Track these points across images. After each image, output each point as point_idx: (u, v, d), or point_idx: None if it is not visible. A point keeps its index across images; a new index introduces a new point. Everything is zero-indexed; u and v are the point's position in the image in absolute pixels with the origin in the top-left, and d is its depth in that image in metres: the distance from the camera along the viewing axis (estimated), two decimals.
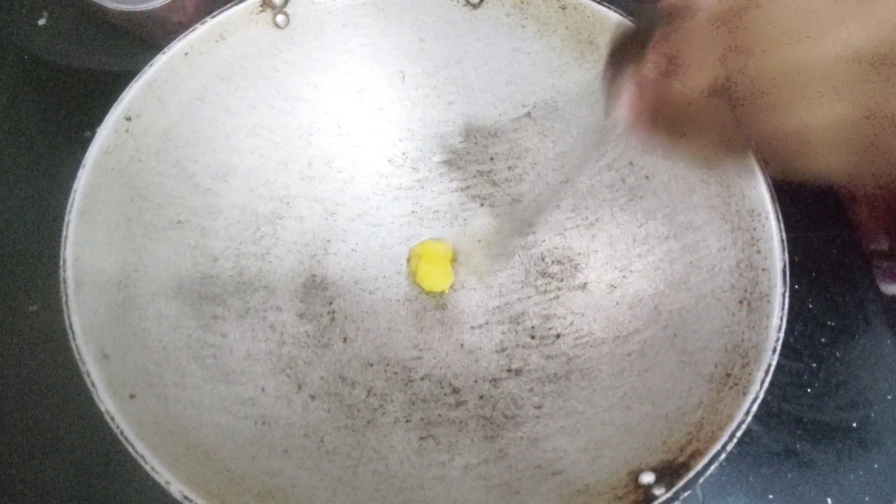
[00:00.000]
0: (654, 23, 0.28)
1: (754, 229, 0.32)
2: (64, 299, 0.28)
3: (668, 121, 0.29)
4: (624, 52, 0.30)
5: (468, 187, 0.40)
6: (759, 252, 0.31)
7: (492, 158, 0.40)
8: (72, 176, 0.30)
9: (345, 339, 0.36)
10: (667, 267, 0.35)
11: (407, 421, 0.33)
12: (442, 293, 0.38)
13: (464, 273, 0.38)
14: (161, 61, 0.33)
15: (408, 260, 0.38)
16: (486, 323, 0.37)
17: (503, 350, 0.36)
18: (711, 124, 0.28)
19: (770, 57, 0.24)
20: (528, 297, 0.37)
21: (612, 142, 0.30)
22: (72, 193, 0.30)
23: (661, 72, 0.28)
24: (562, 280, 0.38)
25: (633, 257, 0.37)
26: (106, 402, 0.27)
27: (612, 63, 0.30)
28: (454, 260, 0.38)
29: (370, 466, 0.31)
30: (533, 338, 0.36)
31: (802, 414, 0.37)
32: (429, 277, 0.37)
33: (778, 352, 0.29)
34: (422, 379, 0.35)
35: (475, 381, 0.35)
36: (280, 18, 0.36)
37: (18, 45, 0.44)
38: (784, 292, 0.30)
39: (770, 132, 0.25)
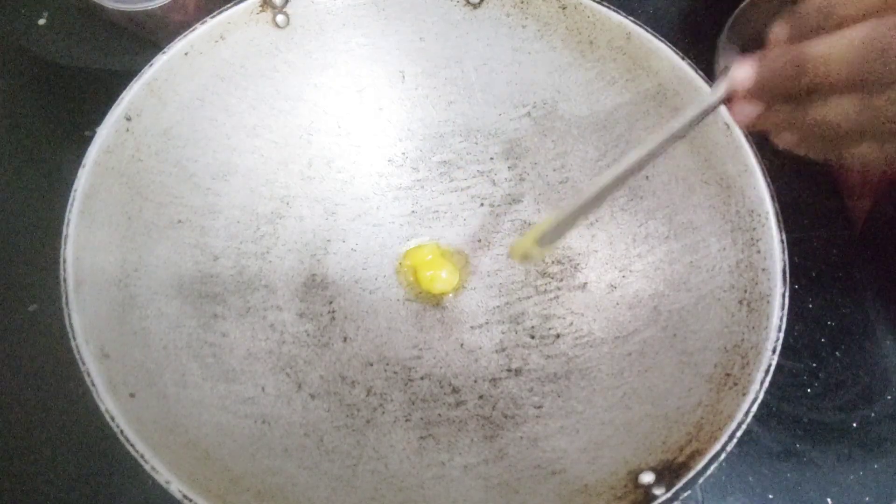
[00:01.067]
0: None
1: (754, 229, 0.32)
2: (64, 299, 0.28)
3: (789, 96, 0.23)
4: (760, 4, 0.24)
5: (468, 187, 0.40)
6: (758, 252, 0.31)
7: (492, 158, 0.40)
8: (72, 176, 0.30)
9: (345, 339, 0.36)
10: (667, 267, 0.35)
11: (407, 420, 0.33)
12: (445, 292, 0.38)
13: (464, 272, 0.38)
14: (161, 61, 0.33)
15: (398, 271, 0.38)
16: (486, 323, 0.37)
17: (503, 350, 0.36)
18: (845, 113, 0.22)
19: None
20: (528, 297, 0.37)
21: (712, 112, 0.25)
22: (72, 193, 0.30)
23: (803, 32, 0.23)
24: (562, 280, 0.38)
25: (633, 257, 0.37)
26: (106, 401, 0.27)
27: (741, 18, 0.25)
28: (447, 255, 0.38)
29: (370, 466, 0.31)
30: (533, 338, 0.36)
31: (802, 414, 0.37)
32: (437, 282, 0.37)
33: (778, 352, 0.29)
34: (422, 378, 0.35)
35: (475, 381, 0.35)
36: (280, 18, 0.36)
37: (18, 45, 0.44)
38: (784, 292, 0.30)
39: None
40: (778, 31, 0.24)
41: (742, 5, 0.26)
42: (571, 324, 0.36)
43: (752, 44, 0.25)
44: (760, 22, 0.25)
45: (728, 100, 0.25)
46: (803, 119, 0.23)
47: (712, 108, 0.25)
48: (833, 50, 0.22)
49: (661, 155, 0.26)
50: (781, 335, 0.29)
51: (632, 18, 0.35)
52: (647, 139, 0.26)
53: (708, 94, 0.25)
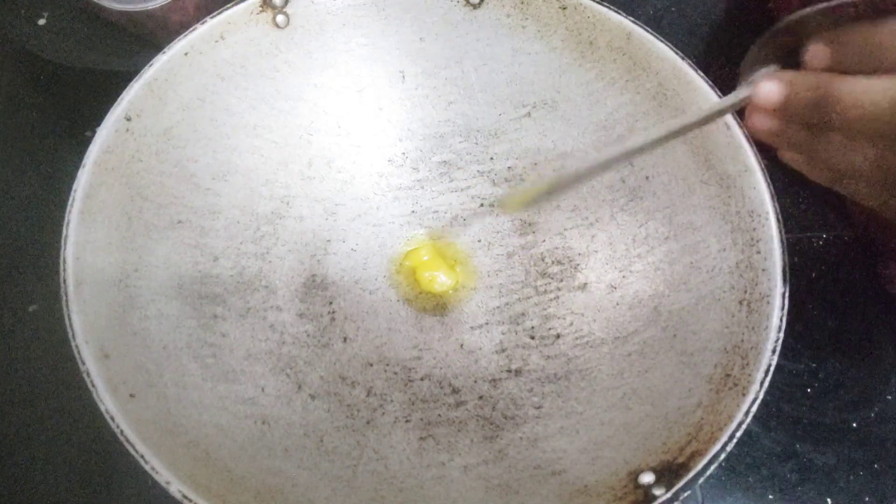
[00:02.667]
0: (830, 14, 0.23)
1: (754, 230, 0.32)
2: (64, 299, 0.28)
3: (809, 123, 0.23)
4: (787, 31, 0.25)
5: (468, 187, 0.40)
6: (758, 253, 0.31)
7: (492, 158, 0.40)
8: (72, 176, 0.30)
9: (345, 339, 0.36)
10: (667, 267, 0.35)
11: (407, 421, 0.33)
12: (445, 292, 0.38)
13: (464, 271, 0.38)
14: (161, 61, 0.33)
15: (398, 272, 0.38)
16: (486, 323, 0.37)
17: (503, 350, 0.36)
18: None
19: None
20: (528, 298, 0.37)
21: (724, 115, 0.26)
22: (72, 193, 0.30)
23: (842, 63, 0.22)
24: (562, 280, 0.38)
25: (633, 258, 0.37)
26: (106, 401, 0.27)
27: (784, 29, 0.25)
28: (445, 254, 0.38)
29: (370, 466, 0.31)
30: (533, 338, 0.36)
31: (802, 414, 0.37)
32: (436, 282, 0.37)
33: (778, 352, 0.29)
34: (422, 379, 0.35)
35: (475, 382, 0.35)
36: (280, 18, 0.36)
37: (18, 45, 0.44)
38: (784, 293, 0.30)
39: None
40: (816, 53, 0.23)
41: (788, 18, 0.26)
42: (571, 324, 0.36)
43: (788, 59, 0.25)
44: (801, 38, 0.24)
45: (743, 107, 0.24)
46: (815, 148, 0.23)
47: (727, 111, 0.25)
48: (866, 95, 0.21)
49: (663, 145, 0.26)
50: (781, 335, 0.29)
51: (632, 18, 0.35)
52: (653, 129, 0.26)
53: (713, 96, 0.25)
